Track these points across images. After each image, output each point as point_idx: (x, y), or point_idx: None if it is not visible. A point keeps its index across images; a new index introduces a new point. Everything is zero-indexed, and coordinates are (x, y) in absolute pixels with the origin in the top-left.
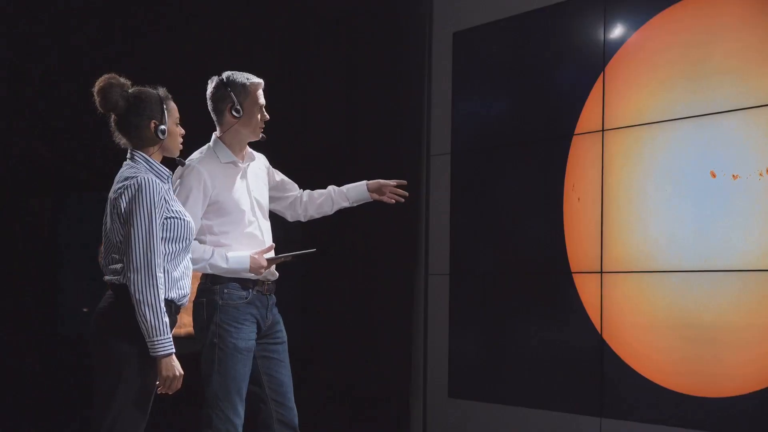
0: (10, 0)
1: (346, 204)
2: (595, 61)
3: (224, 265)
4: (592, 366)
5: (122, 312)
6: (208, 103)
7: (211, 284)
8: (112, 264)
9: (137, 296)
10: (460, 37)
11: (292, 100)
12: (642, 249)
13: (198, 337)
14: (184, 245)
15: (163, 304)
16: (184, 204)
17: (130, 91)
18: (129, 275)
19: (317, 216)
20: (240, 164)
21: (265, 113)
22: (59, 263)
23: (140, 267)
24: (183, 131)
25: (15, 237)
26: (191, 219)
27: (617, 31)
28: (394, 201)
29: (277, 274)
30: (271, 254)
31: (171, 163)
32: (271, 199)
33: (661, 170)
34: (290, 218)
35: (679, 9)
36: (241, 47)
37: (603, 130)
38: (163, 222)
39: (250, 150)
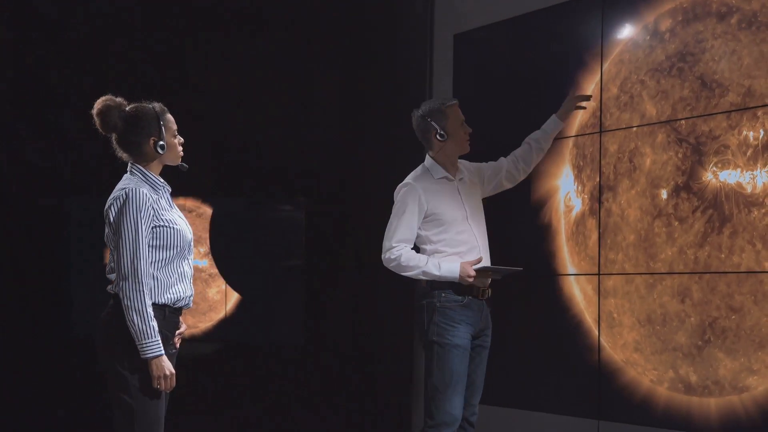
0: (10, 2)
1: (549, 144)
2: (593, 63)
3: (437, 272)
4: (589, 368)
5: (120, 320)
6: (417, 133)
7: (430, 289)
8: (110, 272)
9: (125, 302)
10: (461, 38)
11: (293, 102)
12: (640, 251)
13: (417, 336)
14: (176, 252)
15: (150, 309)
16: (401, 217)
17: (127, 109)
18: (119, 282)
19: (532, 168)
20: (452, 178)
21: (467, 126)
22: (67, 267)
23: (127, 274)
24: (182, 140)
25: (22, 240)
26: (183, 227)
27: (615, 33)
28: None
29: (487, 282)
30: (481, 265)
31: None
32: (494, 187)
33: (659, 171)
34: (512, 185)
35: (677, 10)
36: (241, 47)
37: (600, 132)
38: (153, 231)
39: (459, 162)
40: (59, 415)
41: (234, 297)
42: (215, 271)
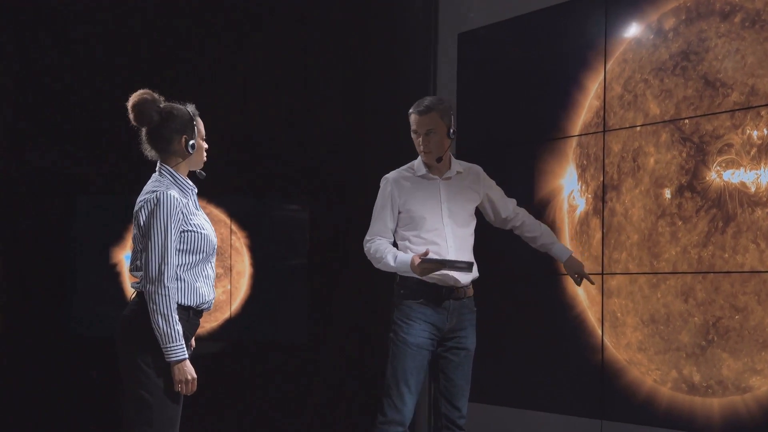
0: (12, 4)
1: (536, 244)
2: (596, 62)
3: (392, 264)
4: (593, 368)
5: (145, 317)
6: None
7: (396, 286)
8: (136, 270)
9: (151, 305)
10: (465, 37)
11: (296, 101)
12: (644, 250)
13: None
14: (203, 256)
15: (175, 313)
16: (375, 211)
17: (162, 105)
18: (145, 285)
19: (514, 231)
20: (432, 177)
21: (417, 138)
22: (71, 265)
23: (154, 278)
24: (206, 146)
25: (26, 239)
26: (209, 231)
27: (618, 32)
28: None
29: (462, 282)
30: (435, 257)
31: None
32: (484, 210)
33: (663, 171)
34: (494, 222)
35: (681, 9)
36: (242, 47)
37: (604, 131)
38: (181, 235)
39: (461, 164)
40: (60, 414)
41: (239, 297)
42: (221, 271)
